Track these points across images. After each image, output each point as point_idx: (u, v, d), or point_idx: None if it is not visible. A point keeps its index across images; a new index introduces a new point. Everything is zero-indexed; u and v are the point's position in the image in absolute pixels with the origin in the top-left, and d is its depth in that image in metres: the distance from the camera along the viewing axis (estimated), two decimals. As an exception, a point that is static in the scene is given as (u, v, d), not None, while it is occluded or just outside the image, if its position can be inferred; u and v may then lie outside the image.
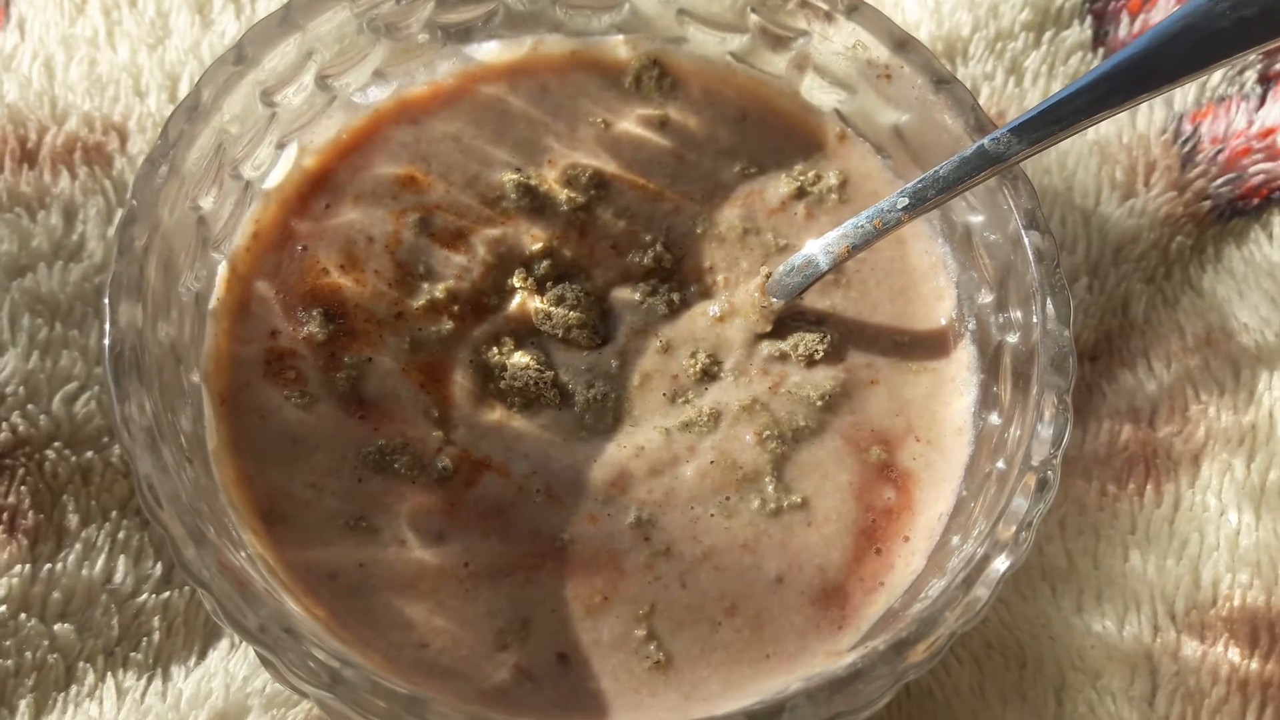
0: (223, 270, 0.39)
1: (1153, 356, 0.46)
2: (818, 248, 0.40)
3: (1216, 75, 0.51)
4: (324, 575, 0.36)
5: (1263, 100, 0.50)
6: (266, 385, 0.38)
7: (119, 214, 0.45)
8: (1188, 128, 0.50)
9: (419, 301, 0.40)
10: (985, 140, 0.38)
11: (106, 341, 0.34)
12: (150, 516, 0.33)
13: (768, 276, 0.41)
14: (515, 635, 0.37)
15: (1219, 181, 0.49)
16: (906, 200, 0.39)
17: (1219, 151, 0.49)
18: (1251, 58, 0.51)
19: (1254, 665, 0.41)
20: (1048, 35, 0.50)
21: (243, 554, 0.34)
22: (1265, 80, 0.51)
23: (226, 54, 0.38)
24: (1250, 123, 0.50)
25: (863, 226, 0.39)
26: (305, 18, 0.39)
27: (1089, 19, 0.51)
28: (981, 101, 0.50)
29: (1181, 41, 0.37)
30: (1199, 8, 0.37)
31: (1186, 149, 0.49)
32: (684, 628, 0.37)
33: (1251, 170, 0.49)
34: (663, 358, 0.41)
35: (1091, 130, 0.50)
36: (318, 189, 0.41)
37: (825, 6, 0.41)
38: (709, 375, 0.41)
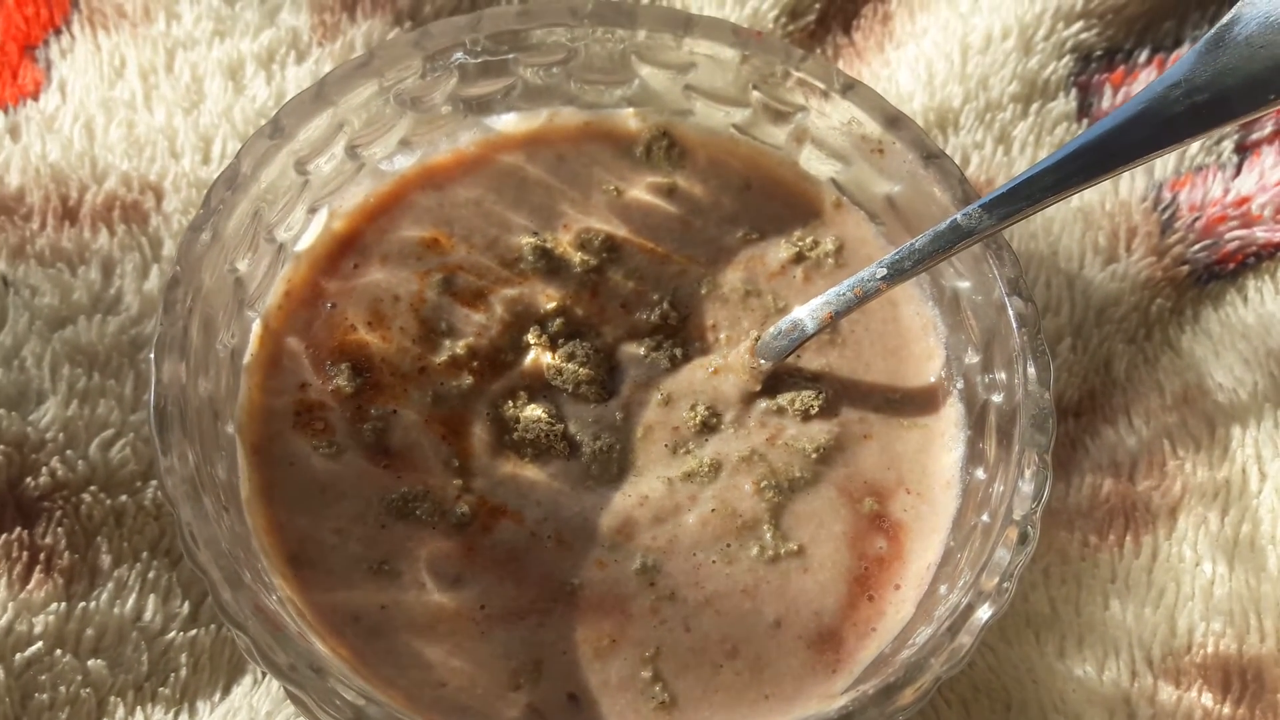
0: (256, 327, 0.42)
1: (1133, 413, 0.48)
2: (804, 313, 0.42)
3: (1195, 145, 0.53)
4: (348, 617, 0.38)
5: (1238, 170, 0.53)
6: (296, 436, 0.41)
7: (154, 269, 0.48)
8: (1167, 195, 0.52)
9: (441, 357, 0.42)
10: (958, 215, 0.40)
11: (151, 398, 0.36)
12: (190, 562, 0.35)
13: (757, 339, 0.43)
14: (528, 676, 0.38)
15: (1197, 247, 0.51)
16: (885, 270, 0.41)
17: (1197, 218, 0.52)
18: (1229, 129, 0.54)
19: (1225, 710, 0.43)
20: (1035, 106, 0.53)
21: (274, 597, 0.36)
22: (1241, 150, 0.53)
23: (264, 128, 0.40)
24: (1226, 191, 0.52)
25: (844, 294, 0.42)
26: (337, 93, 0.41)
27: (1074, 91, 0.54)
28: (971, 169, 0.52)
29: (1139, 125, 0.39)
30: (1155, 94, 0.39)
31: (1166, 216, 0.52)
32: (688, 669, 0.39)
33: (1227, 236, 0.51)
34: (664, 410, 0.43)
35: (1075, 198, 0.52)
36: (346, 250, 0.43)
37: (822, 85, 0.43)
38: (708, 427, 0.43)
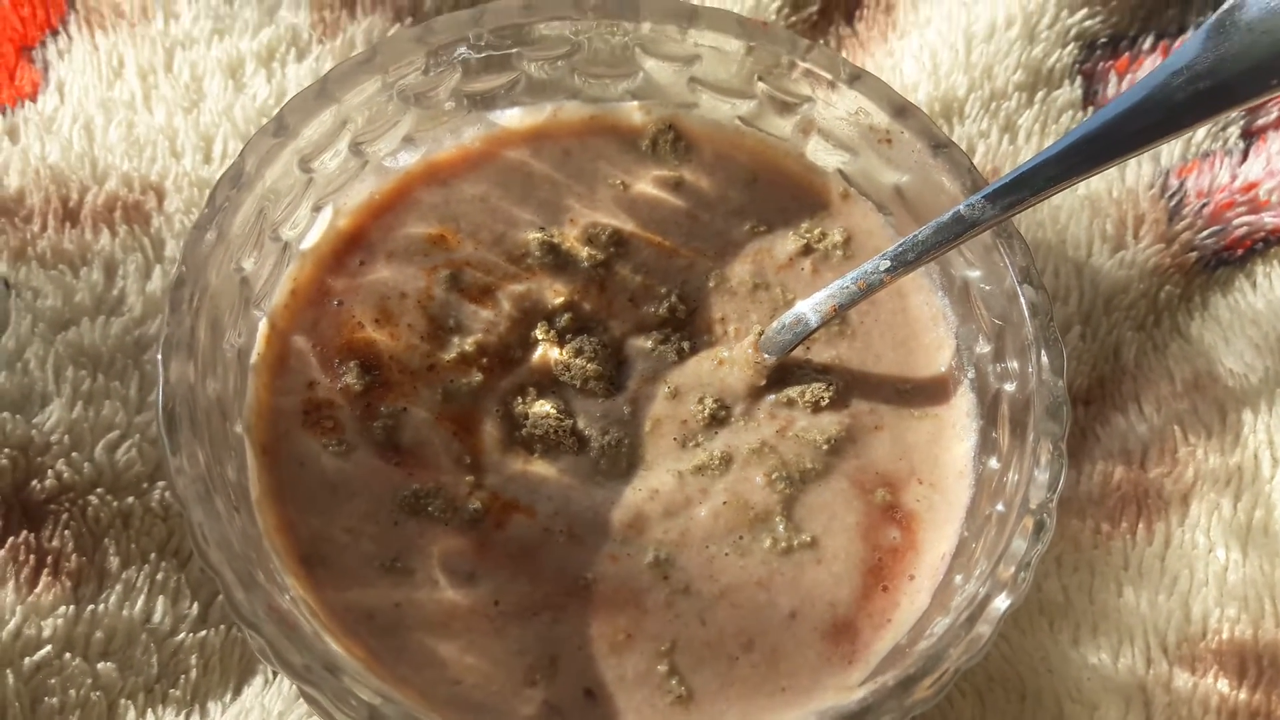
0: (263, 327, 0.41)
1: (1143, 401, 0.48)
2: (807, 306, 0.42)
3: (1201, 132, 0.53)
4: (362, 615, 0.38)
5: (1245, 155, 0.52)
6: (305, 435, 0.40)
7: (157, 270, 0.47)
8: (1174, 182, 0.52)
9: (450, 354, 0.42)
10: (961, 206, 0.40)
11: (159, 398, 0.36)
12: (203, 562, 0.34)
13: (760, 334, 0.43)
14: (544, 672, 0.38)
15: (1205, 233, 0.51)
16: (888, 262, 0.41)
17: (1204, 205, 0.51)
18: (1234, 115, 0.54)
19: (1242, 695, 0.43)
20: (1040, 95, 0.53)
21: (287, 596, 0.36)
22: (1247, 136, 0.53)
23: (268, 125, 0.40)
24: (1234, 177, 0.52)
25: (848, 287, 0.42)
26: (341, 90, 0.41)
27: (1079, 79, 0.53)
28: (977, 159, 0.52)
29: (1142, 112, 0.39)
30: (1158, 81, 0.39)
31: (1173, 203, 0.52)
32: (704, 663, 0.38)
33: (1235, 222, 0.51)
34: (671, 403, 0.43)
35: (1082, 186, 0.52)
36: (352, 248, 0.43)
37: (828, 75, 0.43)
38: (717, 420, 0.43)
